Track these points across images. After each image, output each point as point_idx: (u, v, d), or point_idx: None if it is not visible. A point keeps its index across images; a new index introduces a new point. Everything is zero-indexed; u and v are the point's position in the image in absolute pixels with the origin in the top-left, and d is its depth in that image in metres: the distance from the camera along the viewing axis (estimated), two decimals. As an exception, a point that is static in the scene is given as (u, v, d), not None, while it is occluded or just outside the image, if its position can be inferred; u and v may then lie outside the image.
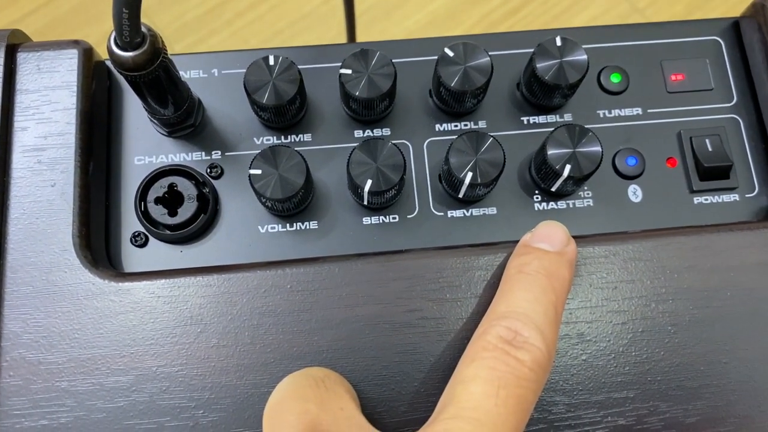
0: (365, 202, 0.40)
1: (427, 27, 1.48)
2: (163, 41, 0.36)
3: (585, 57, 0.40)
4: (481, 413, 0.28)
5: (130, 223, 0.40)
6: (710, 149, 0.42)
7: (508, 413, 0.28)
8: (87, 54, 0.40)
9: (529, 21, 1.49)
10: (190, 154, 0.41)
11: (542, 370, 0.30)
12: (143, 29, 0.34)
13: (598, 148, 0.39)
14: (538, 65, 0.40)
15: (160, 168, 0.40)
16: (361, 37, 1.45)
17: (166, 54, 0.36)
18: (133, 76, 0.35)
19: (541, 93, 0.41)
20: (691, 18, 1.50)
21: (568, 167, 0.38)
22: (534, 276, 0.33)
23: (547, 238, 0.35)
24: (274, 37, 1.45)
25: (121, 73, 0.35)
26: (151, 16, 1.46)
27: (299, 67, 0.40)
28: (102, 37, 1.32)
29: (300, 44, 1.46)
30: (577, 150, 0.38)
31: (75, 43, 0.40)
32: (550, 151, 0.39)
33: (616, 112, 0.43)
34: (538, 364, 0.30)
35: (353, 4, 0.72)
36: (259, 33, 1.45)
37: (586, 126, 0.40)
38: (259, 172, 0.38)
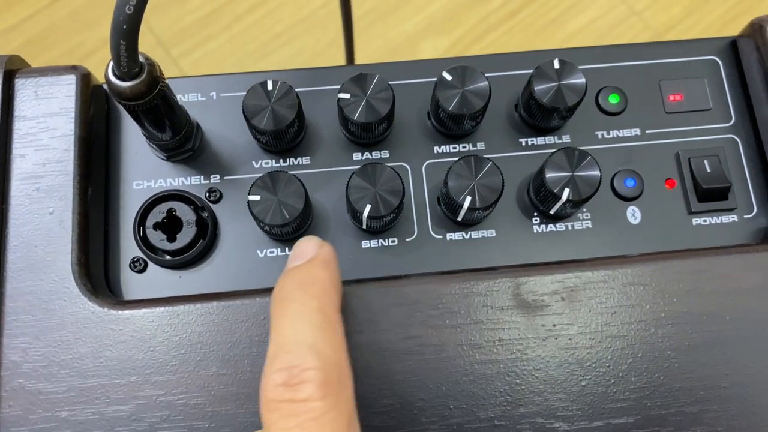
0: (364, 226, 0.40)
1: (426, 30, 1.48)
2: (161, 69, 0.36)
3: (583, 80, 0.40)
4: None
5: (129, 248, 0.40)
6: (709, 170, 0.42)
7: None
8: (84, 79, 0.40)
9: (527, 24, 1.49)
10: (188, 178, 0.41)
11: (332, 384, 0.28)
12: (141, 59, 0.34)
13: (596, 173, 0.39)
14: (536, 88, 0.40)
15: (158, 193, 0.40)
16: (359, 40, 1.45)
17: (164, 82, 0.36)
18: (132, 105, 0.35)
19: (539, 115, 0.41)
20: (689, 20, 1.50)
21: (566, 191, 0.38)
22: (288, 296, 0.31)
23: (297, 255, 0.34)
24: (272, 40, 1.45)
25: (119, 103, 0.35)
26: (148, 20, 1.46)
27: (297, 90, 0.40)
28: (98, 42, 1.31)
29: (297, 47, 1.45)
30: (575, 174, 0.38)
31: (73, 69, 0.40)
32: (549, 175, 0.39)
33: (614, 133, 0.43)
34: (324, 384, 0.27)
35: (350, 10, 0.72)
36: (257, 37, 1.45)
37: (584, 148, 0.40)
38: (257, 198, 0.38)
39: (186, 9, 1.47)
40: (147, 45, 1.43)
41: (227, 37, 1.45)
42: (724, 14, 1.54)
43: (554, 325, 0.37)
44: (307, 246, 0.34)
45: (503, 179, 0.38)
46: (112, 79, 0.34)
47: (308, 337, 0.29)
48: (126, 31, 0.31)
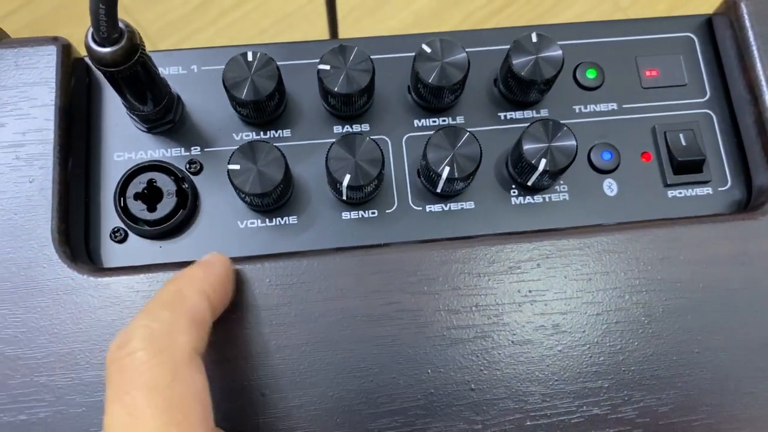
0: (344, 197, 0.40)
1: (412, 26, 1.48)
2: (141, 37, 0.36)
3: (560, 53, 0.41)
4: None
5: (110, 218, 0.40)
6: (684, 143, 0.43)
7: (146, 412, 0.27)
8: (65, 50, 0.40)
9: (513, 20, 1.50)
10: (169, 149, 0.42)
11: (158, 338, 0.29)
12: (121, 25, 0.34)
13: (572, 143, 0.39)
14: (514, 61, 0.40)
15: (139, 164, 0.40)
16: (345, 35, 1.45)
17: (144, 50, 0.36)
18: (111, 71, 0.35)
19: (517, 89, 0.42)
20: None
21: (543, 161, 0.39)
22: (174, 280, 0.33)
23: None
24: (258, 35, 1.45)
25: (99, 69, 0.35)
26: (135, 14, 1.46)
27: (279, 63, 0.40)
28: (84, 36, 1.30)
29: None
30: (552, 144, 0.39)
31: (54, 40, 0.40)
32: (526, 146, 0.39)
33: (591, 108, 0.44)
34: (149, 340, 0.29)
35: (335, 4, 0.73)
36: (244, 31, 1.45)
37: (561, 121, 0.40)
38: (237, 167, 0.38)
39: (173, 3, 1.46)
40: (133, 38, 1.42)
41: (214, 31, 1.45)
42: (708, 11, 1.56)
43: (530, 291, 0.37)
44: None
45: (481, 149, 0.39)
46: (92, 45, 0.34)
47: (145, 310, 0.31)
48: (105, -5, 0.32)
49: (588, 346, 0.37)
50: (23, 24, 1.42)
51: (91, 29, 0.34)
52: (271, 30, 1.46)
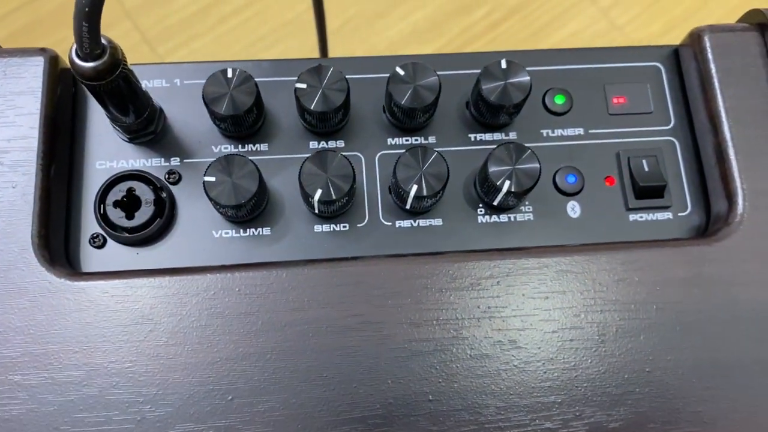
0: (316, 211, 0.42)
1: (409, 37, 1.50)
2: (123, 52, 0.38)
3: (528, 78, 0.42)
4: None
5: (90, 225, 0.42)
6: (646, 169, 0.45)
7: None
8: (53, 62, 0.42)
9: (509, 35, 1.51)
10: (149, 160, 0.43)
11: None
12: (103, 41, 0.36)
13: (536, 165, 0.41)
14: (483, 86, 0.42)
15: (119, 173, 0.42)
16: (341, 46, 1.47)
17: (126, 65, 0.38)
18: (94, 85, 0.37)
19: (487, 112, 0.43)
20: (669, 36, 1.54)
21: (507, 183, 0.40)
22: None
23: None
24: (257, 42, 1.47)
25: (82, 83, 0.37)
26: (134, 18, 1.48)
27: (259, 80, 0.42)
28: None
29: (282, 50, 1.46)
30: (516, 167, 0.41)
31: (42, 51, 0.42)
32: (492, 168, 0.41)
33: (558, 132, 0.46)
34: None
35: (324, 18, 0.75)
36: (242, 38, 1.47)
37: (530, 145, 0.42)
38: (213, 179, 0.39)
39: (172, 8, 1.48)
40: (132, 42, 1.44)
41: (212, 37, 1.47)
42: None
43: (489, 307, 0.39)
44: None
45: (448, 168, 0.41)
46: (76, 60, 0.36)
47: None
48: (88, 14, 0.33)
49: (543, 362, 0.38)
50: (22, 24, 1.44)
51: (75, 45, 0.36)
52: (269, 37, 1.48)
